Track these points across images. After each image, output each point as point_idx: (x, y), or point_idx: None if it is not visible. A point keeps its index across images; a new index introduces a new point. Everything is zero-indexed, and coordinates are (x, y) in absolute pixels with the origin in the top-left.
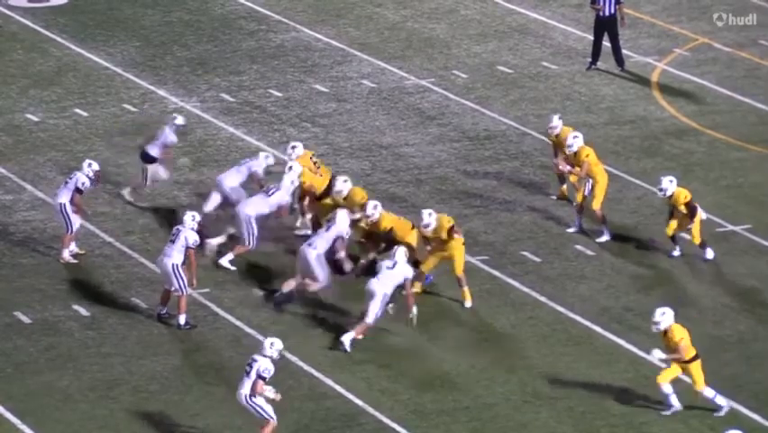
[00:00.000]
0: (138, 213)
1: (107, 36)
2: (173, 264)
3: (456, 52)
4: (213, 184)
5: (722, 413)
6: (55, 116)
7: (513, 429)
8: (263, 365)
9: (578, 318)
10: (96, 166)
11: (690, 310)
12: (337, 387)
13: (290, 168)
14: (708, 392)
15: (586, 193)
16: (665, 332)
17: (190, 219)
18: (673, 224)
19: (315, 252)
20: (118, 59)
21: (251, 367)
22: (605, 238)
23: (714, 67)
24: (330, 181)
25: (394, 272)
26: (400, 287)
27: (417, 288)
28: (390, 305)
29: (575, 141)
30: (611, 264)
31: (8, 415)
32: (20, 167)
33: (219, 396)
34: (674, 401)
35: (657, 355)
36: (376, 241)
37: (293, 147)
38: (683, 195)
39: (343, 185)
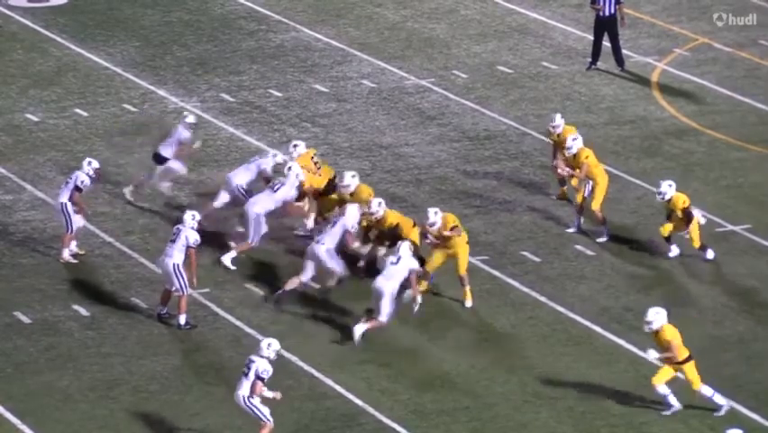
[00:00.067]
0: (138, 213)
1: (107, 36)
2: (174, 264)
3: (456, 52)
4: (213, 183)
5: (722, 412)
6: (55, 116)
7: (513, 429)
8: (262, 366)
9: (578, 318)
10: (95, 164)
11: (690, 310)
12: (337, 387)
13: (289, 168)
14: (706, 391)
15: (586, 194)
16: (657, 332)
17: (190, 219)
18: (669, 226)
19: (323, 247)
20: (118, 59)
21: (249, 368)
22: (604, 239)
23: (714, 67)
24: (332, 179)
25: (398, 267)
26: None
27: (424, 286)
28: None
29: (575, 143)
30: (611, 264)
31: (8, 415)
32: (20, 167)
33: (219, 396)
34: (673, 401)
35: (652, 355)
36: (381, 238)
37: (294, 146)
38: (682, 200)
39: (351, 180)
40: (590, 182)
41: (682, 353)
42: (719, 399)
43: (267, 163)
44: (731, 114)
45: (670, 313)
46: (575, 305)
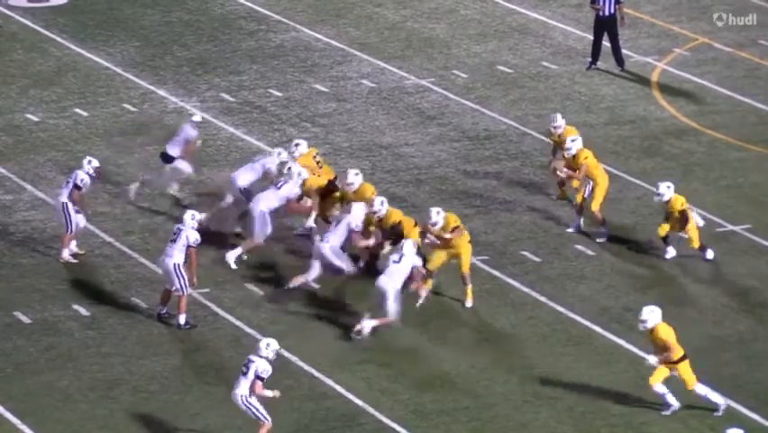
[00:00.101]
0: (138, 213)
1: (107, 36)
2: (175, 264)
3: (456, 52)
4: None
5: (720, 412)
6: (55, 116)
7: (513, 429)
8: (261, 366)
9: (578, 318)
10: (95, 163)
11: (690, 310)
12: (337, 387)
13: (289, 168)
14: (701, 389)
15: (586, 195)
16: (652, 330)
17: (190, 218)
18: (666, 226)
19: (328, 245)
20: (118, 58)
21: (248, 368)
22: (603, 239)
23: (714, 67)
24: (332, 180)
25: (401, 265)
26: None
27: (429, 285)
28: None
29: (574, 144)
30: (611, 264)
31: (8, 415)
32: (20, 167)
33: (219, 396)
34: (672, 400)
35: (652, 360)
36: (385, 237)
37: (296, 145)
38: (680, 202)
39: (355, 178)
40: (591, 183)
41: (677, 352)
42: (716, 397)
43: (272, 162)
44: (731, 114)
45: (670, 313)
46: (575, 305)
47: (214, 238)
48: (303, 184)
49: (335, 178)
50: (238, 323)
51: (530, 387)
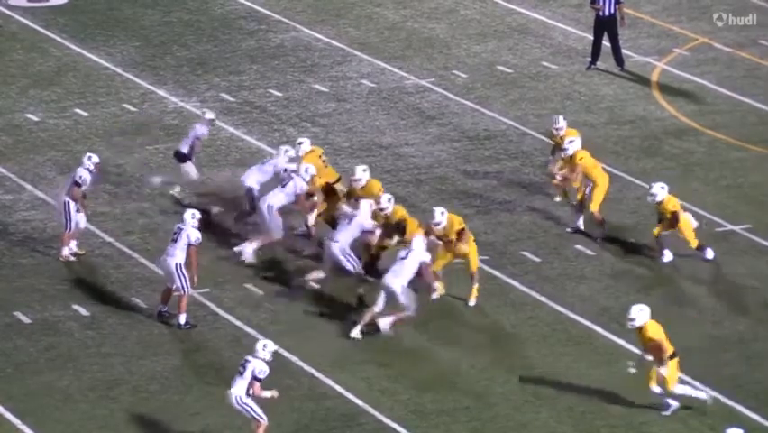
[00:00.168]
0: (138, 213)
1: (107, 36)
2: (176, 264)
3: (456, 52)
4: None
5: (710, 403)
6: (55, 116)
7: (513, 429)
8: (258, 367)
9: (578, 318)
10: (95, 159)
11: (690, 310)
12: (337, 387)
13: (293, 171)
14: (681, 389)
15: (586, 194)
16: (640, 329)
17: (190, 217)
18: (660, 227)
19: (338, 245)
20: (118, 58)
21: (245, 368)
22: (599, 238)
23: (714, 67)
24: (333, 181)
25: (407, 261)
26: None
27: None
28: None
29: (571, 145)
30: (611, 264)
31: (8, 415)
32: (20, 167)
33: (219, 396)
34: (670, 400)
35: (632, 371)
36: (389, 233)
37: (299, 143)
38: (672, 203)
39: (363, 174)
40: (591, 183)
41: (668, 349)
42: (698, 393)
43: (281, 162)
44: (731, 114)
45: (670, 313)
46: (575, 305)
47: (213, 238)
48: (311, 180)
49: (338, 180)
50: (238, 323)
51: (530, 387)
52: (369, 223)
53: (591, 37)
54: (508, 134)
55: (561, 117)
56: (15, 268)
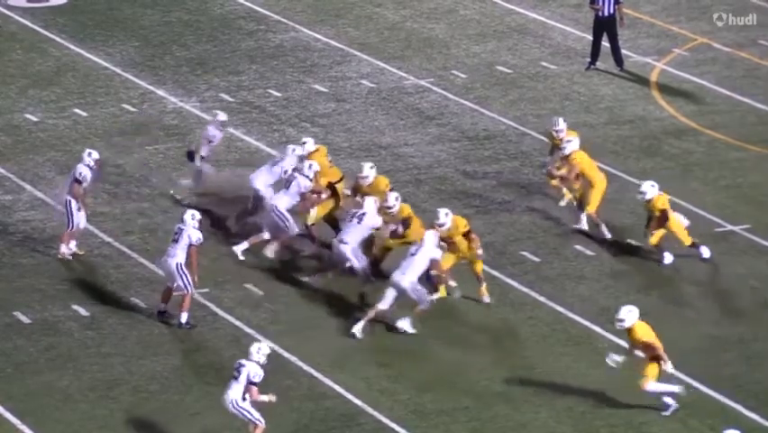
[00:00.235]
0: (138, 213)
1: (106, 36)
2: (177, 264)
3: (455, 52)
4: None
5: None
6: (54, 116)
7: (513, 429)
8: (253, 370)
9: (578, 318)
10: (95, 155)
11: (690, 311)
12: (336, 387)
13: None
14: (653, 387)
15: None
16: (629, 330)
17: (190, 218)
18: (656, 235)
19: (348, 246)
20: (117, 59)
21: (240, 372)
22: (599, 238)
23: (713, 67)
24: (334, 181)
25: (417, 258)
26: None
27: (443, 292)
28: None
29: (569, 144)
30: (611, 264)
31: (8, 415)
32: (19, 167)
33: (219, 396)
34: (669, 400)
35: (612, 363)
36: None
37: (303, 143)
38: (661, 202)
39: (370, 171)
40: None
41: (659, 347)
42: (669, 387)
43: (290, 162)
44: (730, 114)
45: (670, 313)
46: (575, 305)
47: (213, 238)
48: (315, 177)
49: (340, 179)
50: (238, 323)
51: (530, 387)
52: (377, 220)
53: (591, 37)
54: (508, 135)
55: (561, 119)
56: (15, 268)
